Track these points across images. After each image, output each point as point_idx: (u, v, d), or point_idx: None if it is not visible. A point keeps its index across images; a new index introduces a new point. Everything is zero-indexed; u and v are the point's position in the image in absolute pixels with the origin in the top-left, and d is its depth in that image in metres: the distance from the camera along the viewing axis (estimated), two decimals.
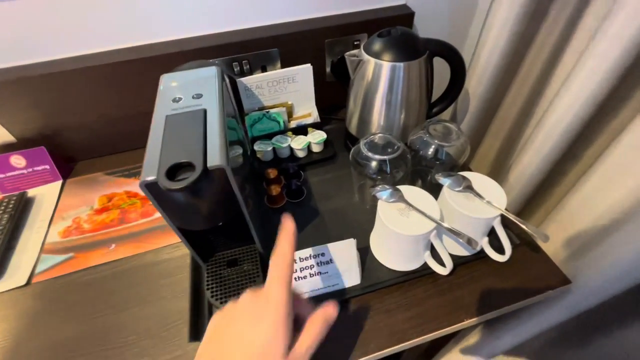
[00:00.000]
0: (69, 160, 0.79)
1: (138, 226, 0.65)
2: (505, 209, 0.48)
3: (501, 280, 0.53)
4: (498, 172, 0.76)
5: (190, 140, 0.38)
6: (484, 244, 0.53)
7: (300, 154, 0.73)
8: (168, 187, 0.33)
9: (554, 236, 0.55)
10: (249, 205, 0.45)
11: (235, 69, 0.74)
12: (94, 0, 0.62)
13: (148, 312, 0.52)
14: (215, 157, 0.37)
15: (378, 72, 0.60)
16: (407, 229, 0.46)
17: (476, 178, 0.52)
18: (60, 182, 0.74)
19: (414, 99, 0.63)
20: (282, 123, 0.73)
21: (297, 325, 0.34)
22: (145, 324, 0.51)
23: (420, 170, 0.66)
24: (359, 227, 0.59)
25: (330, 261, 0.51)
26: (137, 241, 0.62)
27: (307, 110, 0.78)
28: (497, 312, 0.51)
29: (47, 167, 0.73)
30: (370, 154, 0.56)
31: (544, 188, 0.66)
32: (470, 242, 0.46)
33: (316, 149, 0.74)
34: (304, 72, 0.71)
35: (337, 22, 0.75)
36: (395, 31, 0.60)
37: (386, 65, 0.59)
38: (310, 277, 0.50)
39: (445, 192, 0.51)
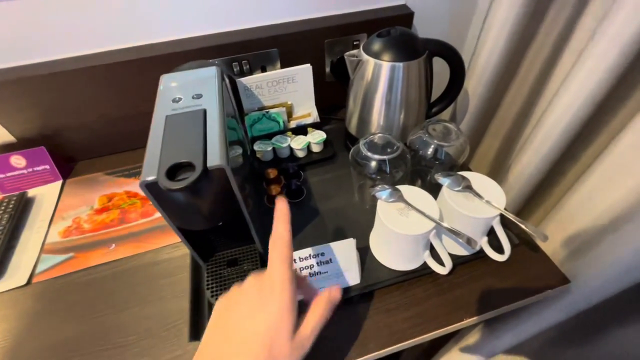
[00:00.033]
0: (69, 160, 0.79)
1: (138, 226, 0.65)
2: (505, 209, 0.48)
3: (500, 279, 0.53)
4: (497, 172, 0.76)
5: (190, 140, 0.38)
6: (484, 243, 0.54)
7: (300, 154, 0.73)
8: (168, 187, 0.33)
9: (553, 236, 0.55)
10: (248, 205, 0.45)
11: (235, 69, 0.74)
12: (94, 0, 0.62)
13: (148, 312, 0.52)
14: (215, 157, 0.37)
15: (378, 72, 0.60)
16: (407, 228, 0.46)
17: (475, 178, 0.52)
18: (60, 182, 0.74)
19: (413, 99, 0.63)
20: (281, 123, 0.73)
21: (301, 307, 0.34)
22: (145, 323, 0.51)
23: (419, 170, 0.66)
24: (359, 227, 0.59)
25: (330, 261, 0.51)
26: (137, 241, 0.62)
27: (306, 110, 0.78)
28: (497, 312, 0.51)
29: (47, 167, 0.73)
30: (369, 154, 0.56)
31: (543, 188, 0.66)
32: (469, 241, 0.46)
33: (316, 149, 0.74)
34: (304, 72, 0.71)
35: (336, 22, 0.75)
36: (395, 31, 0.60)
37: (386, 65, 0.59)
38: (310, 276, 0.50)
39: (444, 191, 0.51)
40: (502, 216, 0.49)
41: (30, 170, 0.72)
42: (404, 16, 0.78)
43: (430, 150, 0.59)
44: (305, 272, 0.50)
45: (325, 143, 0.74)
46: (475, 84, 0.70)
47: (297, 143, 0.71)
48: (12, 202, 0.67)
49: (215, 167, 0.36)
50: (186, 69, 0.53)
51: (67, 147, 0.76)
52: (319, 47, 0.77)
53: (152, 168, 0.36)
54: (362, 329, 0.48)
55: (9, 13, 0.60)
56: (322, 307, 0.34)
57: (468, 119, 0.76)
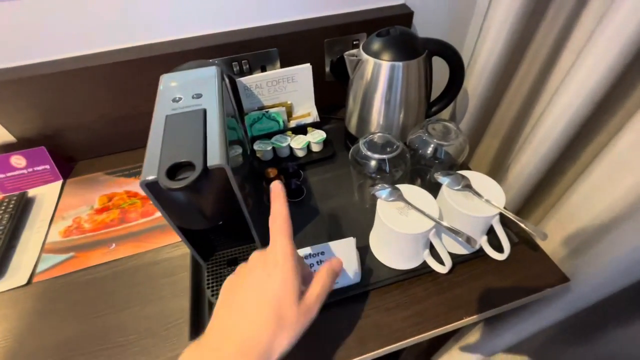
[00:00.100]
0: (69, 160, 0.79)
1: (138, 226, 0.65)
2: (504, 208, 0.48)
3: (500, 278, 0.53)
4: (497, 171, 0.76)
5: (190, 139, 0.38)
6: (483, 242, 0.54)
7: (300, 154, 0.73)
8: (168, 187, 0.34)
9: (553, 235, 0.56)
10: (248, 205, 0.45)
11: (235, 69, 0.74)
12: (93, 0, 0.62)
13: (149, 311, 0.53)
14: (215, 157, 0.37)
15: (377, 72, 0.61)
16: (407, 227, 0.46)
17: (475, 177, 0.52)
18: (60, 182, 0.74)
19: (413, 98, 0.63)
20: (281, 123, 0.73)
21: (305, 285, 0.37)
22: (145, 323, 0.51)
23: (419, 169, 0.66)
24: (359, 226, 0.59)
25: None
26: (137, 241, 0.62)
27: (306, 109, 0.78)
28: (497, 310, 0.51)
29: (48, 167, 0.73)
30: (369, 153, 0.56)
31: (543, 187, 0.66)
32: (469, 240, 0.47)
33: (316, 148, 0.74)
34: (304, 72, 0.71)
35: (336, 21, 0.75)
36: (394, 31, 0.60)
37: (385, 65, 0.59)
38: (311, 275, 0.50)
39: (444, 191, 0.51)
40: (501, 215, 0.49)
41: (30, 170, 0.72)
42: (404, 16, 0.78)
43: (429, 150, 0.59)
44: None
45: (325, 142, 0.74)
46: (475, 84, 0.70)
47: (297, 142, 0.71)
48: (13, 202, 0.67)
49: (215, 167, 0.36)
50: (186, 68, 0.53)
51: (67, 147, 0.77)
52: (318, 46, 0.77)
53: (152, 167, 0.36)
54: (362, 327, 0.49)
55: (9, 13, 0.60)
56: (325, 276, 0.37)
57: (467, 118, 0.76)
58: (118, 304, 0.54)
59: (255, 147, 0.71)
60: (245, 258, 0.54)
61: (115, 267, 0.59)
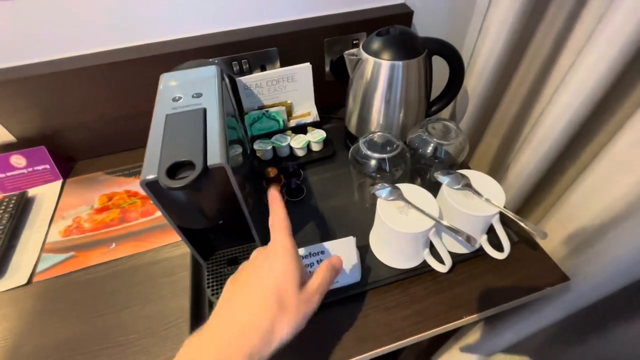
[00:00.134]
0: (69, 159, 0.79)
1: (138, 225, 0.65)
2: (504, 207, 0.48)
3: (500, 277, 0.53)
4: (497, 170, 0.76)
5: (190, 139, 0.38)
6: (483, 241, 0.54)
7: (300, 153, 0.73)
8: (168, 186, 0.33)
9: (553, 234, 0.56)
10: (249, 204, 0.45)
11: (235, 68, 0.74)
12: None
13: (149, 311, 0.53)
14: (215, 156, 0.37)
15: (377, 71, 0.61)
16: (406, 226, 0.47)
17: (475, 176, 0.52)
18: (60, 182, 0.74)
19: (412, 97, 0.63)
20: (281, 122, 0.73)
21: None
22: (145, 322, 0.51)
23: (419, 168, 0.66)
24: (359, 225, 0.59)
25: None
26: (137, 240, 0.62)
27: (306, 109, 0.78)
28: (497, 309, 0.51)
29: (47, 166, 0.73)
30: (369, 153, 0.56)
31: (543, 186, 0.66)
32: (469, 239, 0.47)
33: (316, 147, 0.74)
34: (303, 71, 0.71)
35: (336, 21, 0.75)
36: (394, 30, 0.60)
37: (385, 64, 0.59)
38: (310, 275, 0.50)
39: (444, 190, 0.51)
40: (501, 214, 0.49)
41: (30, 169, 0.72)
42: (404, 15, 0.78)
43: (429, 149, 0.59)
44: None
45: (325, 142, 0.74)
46: (475, 83, 0.70)
47: (297, 142, 0.71)
48: (13, 201, 0.67)
49: (215, 166, 0.36)
50: (186, 68, 0.53)
51: (67, 146, 0.77)
52: (318, 46, 0.77)
53: (152, 167, 0.36)
54: (362, 326, 0.49)
55: (9, 13, 0.60)
56: (325, 270, 0.39)
57: (467, 117, 0.76)
58: (118, 304, 0.54)
59: (255, 146, 0.71)
60: (245, 257, 0.54)
61: (115, 266, 0.59)
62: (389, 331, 0.48)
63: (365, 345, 0.47)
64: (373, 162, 0.57)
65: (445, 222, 0.47)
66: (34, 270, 0.59)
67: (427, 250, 0.53)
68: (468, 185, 0.50)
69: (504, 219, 0.50)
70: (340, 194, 0.66)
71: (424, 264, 0.53)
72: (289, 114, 0.77)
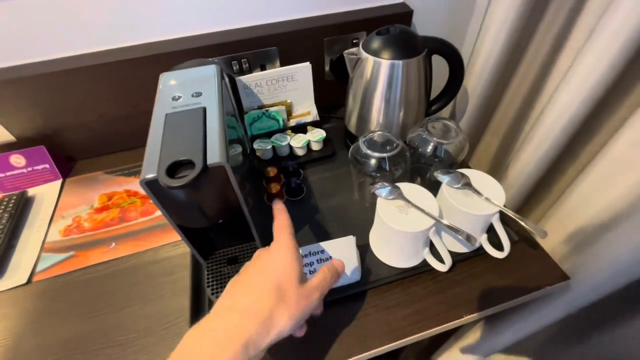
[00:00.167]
0: (69, 159, 0.79)
1: (138, 225, 0.65)
2: (504, 206, 0.48)
3: (500, 276, 0.53)
4: (497, 169, 0.76)
5: (190, 138, 0.38)
6: (483, 240, 0.54)
7: (300, 152, 0.73)
8: (168, 185, 0.33)
9: (553, 233, 0.55)
10: (248, 203, 0.45)
11: (235, 68, 0.74)
12: None
13: (148, 310, 0.53)
14: (215, 155, 0.37)
15: (377, 70, 0.61)
16: (406, 226, 0.46)
17: (475, 175, 0.52)
18: (60, 181, 0.74)
19: (412, 96, 0.63)
20: (281, 121, 0.73)
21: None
22: (145, 322, 0.51)
23: (419, 167, 0.66)
24: (359, 224, 0.59)
25: (330, 258, 0.51)
26: (137, 239, 0.62)
27: (306, 108, 0.78)
28: (497, 309, 0.51)
29: (47, 166, 0.73)
30: (369, 152, 0.56)
31: (543, 185, 0.66)
32: (469, 238, 0.47)
33: (315, 147, 0.74)
34: (303, 71, 0.71)
35: (336, 20, 0.75)
36: (394, 29, 0.60)
37: (385, 63, 0.59)
38: (310, 274, 0.50)
39: (444, 189, 0.51)
40: (501, 213, 0.49)
41: (30, 169, 0.72)
42: (403, 14, 0.78)
43: (429, 148, 0.59)
44: (305, 270, 0.50)
45: (325, 141, 0.74)
46: (475, 82, 0.70)
47: (297, 141, 0.71)
48: (12, 201, 0.67)
49: (215, 165, 0.36)
50: (185, 67, 0.53)
51: (66, 146, 0.76)
52: (318, 45, 0.77)
53: (152, 166, 0.36)
54: (362, 326, 0.49)
55: (8, 12, 0.60)
56: (326, 270, 0.40)
57: (467, 116, 0.76)
58: (118, 303, 0.54)
59: (255, 146, 0.71)
60: (245, 256, 0.54)
61: (115, 266, 0.59)
62: (389, 330, 0.48)
63: (366, 344, 0.47)
64: (373, 161, 0.57)
65: (445, 221, 0.47)
66: (33, 269, 0.59)
67: (427, 250, 0.53)
68: (468, 184, 0.50)
69: (504, 218, 0.50)
70: (340, 193, 0.66)
71: (424, 263, 0.53)
72: (289, 113, 0.77)
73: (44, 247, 0.62)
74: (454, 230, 0.47)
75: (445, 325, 0.49)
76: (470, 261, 0.55)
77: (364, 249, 0.56)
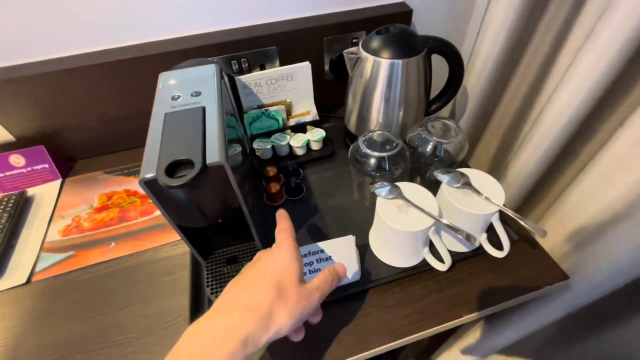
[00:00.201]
0: (69, 159, 0.79)
1: (138, 224, 0.65)
2: (504, 205, 0.48)
3: (500, 276, 0.53)
4: (496, 169, 0.76)
5: (189, 137, 0.38)
6: (483, 240, 0.54)
7: (299, 152, 0.73)
8: (167, 184, 0.33)
9: (552, 232, 0.56)
10: (248, 203, 0.45)
11: (234, 67, 0.74)
12: None
13: (148, 310, 0.53)
14: (214, 154, 0.37)
15: (376, 70, 0.60)
16: (406, 225, 0.46)
17: (474, 174, 0.52)
18: (59, 181, 0.74)
19: (412, 96, 0.63)
20: (281, 121, 0.73)
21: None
22: (145, 321, 0.51)
23: (418, 167, 0.66)
24: (358, 224, 0.59)
25: (330, 258, 0.51)
26: (136, 239, 0.62)
27: (306, 108, 0.78)
28: (496, 308, 0.51)
29: (47, 166, 0.73)
30: (369, 151, 0.56)
31: (543, 184, 0.66)
32: (468, 238, 0.47)
33: (315, 146, 0.74)
34: (303, 70, 0.71)
35: (335, 20, 0.75)
36: (394, 28, 0.60)
37: (384, 63, 0.59)
38: (310, 273, 0.50)
39: (443, 188, 0.51)
40: (501, 212, 0.49)
41: (29, 169, 0.72)
42: (403, 13, 0.77)
43: (429, 147, 0.59)
44: (305, 269, 0.50)
45: (325, 141, 0.74)
46: (475, 81, 0.70)
47: (297, 141, 0.71)
48: (12, 200, 0.67)
49: (214, 164, 0.36)
50: (185, 66, 0.53)
51: (66, 146, 0.76)
52: (318, 45, 0.77)
53: (151, 165, 0.36)
54: (362, 325, 0.49)
55: (8, 11, 0.60)
56: (327, 273, 0.40)
57: (467, 116, 0.76)
58: (117, 303, 0.54)
59: (255, 145, 0.71)
60: (245, 256, 0.54)
61: (114, 265, 0.59)
62: (389, 330, 0.48)
63: (366, 343, 0.47)
64: (372, 161, 0.57)
65: (444, 221, 0.47)
66: (33, 269, 0.59)
67: (426, 249, 0.53)
68: (468, 184, 0.50)
69: (503, 217, 0.50)
70: (340, 193, 0.66)
71: (424, 262, 0.53)
72: (289, 112, 0.77)
73: (44, 247, 0.62)
74: (453, 229, 0.47)
75: (445, 324, 0.49)
76: (469, 261, 0.55)
77: (363, 248, 0.56)
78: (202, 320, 0.34)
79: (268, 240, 0.47)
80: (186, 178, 0.33)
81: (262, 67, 0.76)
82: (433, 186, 0.52)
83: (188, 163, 0.36)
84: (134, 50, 0.68)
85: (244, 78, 0.68)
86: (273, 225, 0.44)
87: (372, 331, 0.48)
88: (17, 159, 0.71)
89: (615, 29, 0.44)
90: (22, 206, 0.68)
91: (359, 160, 0.58)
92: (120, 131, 0.77)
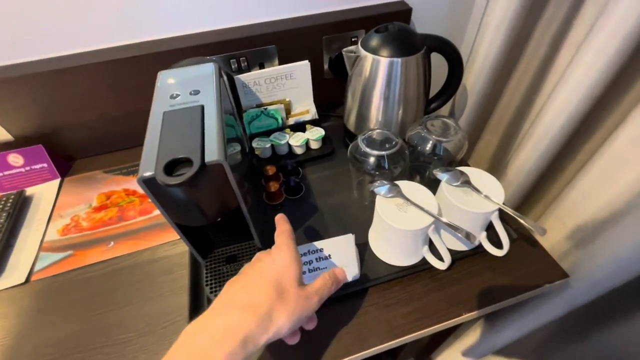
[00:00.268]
0: (68, 158, 0.79)
1: (137, 224, 0.65)
2: (503, 204, 0.48)
3: (499, 274, 0.53)
4: (496, 167, 0.76)
5: (188, 136, 0.38)
6: (482, 238, 0.54)
7: (299, 151, 0.73)
8: (166, 183, 0.33)
9: (552, 230, 0.55)
10: (247, 202, 0.45)
11: (233, 66, 0.73)
12: None
13: (147, 309, 0.52)
14: (213, 153, 0.37)
15: (376, 68, 0.60)
16: (405, 224, 0.46)
17: (474, 173, 0.52)
18: (58, 181, 0.74)
19: (411, 94, 0.63)
20: (280, 120, 0.73)
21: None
22: (144, 320, 0.51)
23: (418, 165, 0.66)
24: (358, 223, 0.59)
25: (329, 257, 0.51)
26: (135, 238, 0.62)
27: (305, 107, 0.78)
28: (496, 307, 0.51)
29: (45, 165, 0.72)
30: (368, 150, 0.56)
31: (542, 183, 0.66)
32: (468, 236, 0.46)
33: (314, 145, 0.74)
34: (302, 69, 0.71)
35: (334, 18, 0.75)
36: (393, 27, 0.60)
37: (384, 61, 0.59)
38: (309, 272, 0.50)
39: (443, 186, 0.51)
40: (500, 211, 0.49)
41: (28, 168, 0.72)
42: (402, 12, 0.77)
43: (428, 146, 0.59)
44: (304, 268, 0.50)
45: (324, 140, 0.74)
46: (474, 80, 0.70)
47: (296, 140, 0.71)
48: (10, 200, 0.67)
49: (213, 163, 0.36)
50: (184, 65, 0.53)
51: (65, 145, 0.76)
52: (317, 43, 0.76)
53: (149, 164, 0.36)
54: (361, 324, 0.48)
55: (7, 10, 0.60)
56: (326, 276, 0.40)
57: (467, 114, 0.76)
58: (116, 302, 0.54)
59: (254, 144, 0.70)
60: (244, 255, 0.54)
61: (113, 265, 0.59)
62: (389, 328, 0.48)
63: (365, 342, 0.47)
64: (372, 160, 0.57)
65: (444, 219, 0.47)
66: (32, 269, 0.58)
67: (426, 248, 0.53)
68: (467, 182, 0.50)
69: (503, 216, 0.50)
70: (339, 192, 0.66)
71: (423, 261, 0.53)
72: (288, 111, 0.77)
73: (42, 246, 0.62)
74: (453, 228, 0.47)
75: (445, 323, 0.49)
76: (469, 259, 0.55)
77: (363, 247, 0.56)
78: (201, 319, 0.34)
79: (267, 239, 0.47)
80: (185, 176, 0.33)
81: (261, 66, 0.76)
82: (432, 185, 0.52)
83: (187, 161, 0.35)
84: (132, 49, 0.68)
85: (243, 77, 0.68)
86: (272, 224, 0.44)
87: (372, 330, 0.48)
88: (15, 159, 0.70)
89: (614, 27, 0.44)
90: (20, 205, 0.68)
91: (359, 159, 0.58)
92: (119, 130, 0.77)
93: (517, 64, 0.67)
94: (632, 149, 0.44)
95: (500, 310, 0.53)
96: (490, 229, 0.52)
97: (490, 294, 0.51)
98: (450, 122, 0.59)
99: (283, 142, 0.70)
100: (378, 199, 0.50)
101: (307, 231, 0.60)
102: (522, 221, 0.48)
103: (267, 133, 0.72)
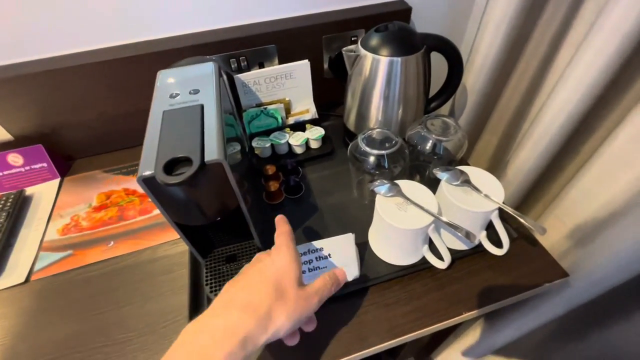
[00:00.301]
0: (67, 158, 0.79)
1: (137, 223, 0.65)
2: (503, 203, 0.48)
3: (499, 274, 0.53)
4: (496, 167, 0.76)
5: (188, 135, 0.38)
6: (482, 237, 0.54)
7: (299, 150, 0.73)
8: (165, 182, 0.33)
9: (552, 229, 0.56)
10: (247, 201, 0.45)
11: (233, 66, 0.73)
12: None
13: (148, 309, 0.52)
14: (212, 152, 0.37)
15: (375, 67, 0.60)
16: (405, 223, 0.46)
17: (474, 172, 0.52)
18: (58, 180, 0.74)
19: (411, 94, 0.63)
20: (280, 119, 0.73)
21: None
22: (145, 320, 0.51)
23: (418, 165, 0.66)
24: (358, 222, 0.59)
25: (329, 256, 0.51)
26: (135, 238, 0.62)
27: (305, 106, 0.78)
28: (496, 306, 0.51)
29: (45, 165, 0.72)
30: (368, 149, 0.56)
31: (542, 182, 0.66)
32: (468, 235, 0.46)
33: (314, 145, 0.74)
34: (302, 68, 0.71)
35: (334, 17, 0.74)
36: (393, 26, 0.60)
37: (384, 60, 0.59)
38: (309, 271, 0.50)
39: (443, 186, 0.51)
40: (500, 210, 0.49)
41: (27, 168, 0.72)
42: (402, 11, 0.77)
43: (428, 145, 0.59)
44: (304, 267, 0.50)
45: (324, 139, 0.74)
46: (474, 79, 0.70)
47: (296, 139, 0.71)
48: (10, 200, 0.67)
49: (212, 162, 0.36)
50: (183, 64, 0.53)
51: (65, 145, 0.76)
52: (317, 43, 0.76)
53: (149, 163, 0.36)
54: (362, 323, 0.48)
55: (5, 9, 0.60)
56: (326, 277, 0.40)
57: (466, 113, 0.76)
58: (116, 302, 0.54)
59: (254, 144, 0.70)
60: (244, 255, 0.54)
61: (113, 264, 0.59)
62: (389, 327, 0.48)
63: (365, 341, 0.47)
64: (372, 159, 0.57)
65: (444, 219, 0.47)
66: (31, 268, 0.58)
67: (426, 247, 0.53)
68: (467, 182, 0.50)
69: (503, 215, 0.50)
70: (339, 191, 0.66)
71: (423, 260, 0.53)
72: (288, 111, 0.77)
73: (42, 246, 0.62)
74: (453, 227, 0.47)
75: (445, 322, 0.49)
76: (469, 258, 0.55)
77: (363, 246, 0.56)
78: (201, 319, 0.34)
79: (267, 239, 0.47)
80: (184, 176, 0.33)
81: (261, 66, 0.75)
82: (432, 184, 0.52)
83: (186, 161, 0.35)
84: (132, 49, 0.68)
85: (243, 76, 0.68)
86: (272, 223, 0.44)
87: (372, 329, 0.48)
88: (15, 158, 0.70)
89: (614, 27, 0.44)
90: (20, 205, 0.68)
91: (358, 158, 0.58)
92: (118, 130, 0.77)
93: (517, 63, 0.67)
94: (631, 147, 0.44)
95: (500, 310, 0.53)
96: (490, 228, 0.52)
97: (490, 293, 0.51)
98: (450, 121, 0.59)
99: (283, 141, 0.70)
100: (378, 198, 0.50)
101: (307, 230, 0.60)
102: (522, 220, 0.48)
103: (266, 132, 0.72)
